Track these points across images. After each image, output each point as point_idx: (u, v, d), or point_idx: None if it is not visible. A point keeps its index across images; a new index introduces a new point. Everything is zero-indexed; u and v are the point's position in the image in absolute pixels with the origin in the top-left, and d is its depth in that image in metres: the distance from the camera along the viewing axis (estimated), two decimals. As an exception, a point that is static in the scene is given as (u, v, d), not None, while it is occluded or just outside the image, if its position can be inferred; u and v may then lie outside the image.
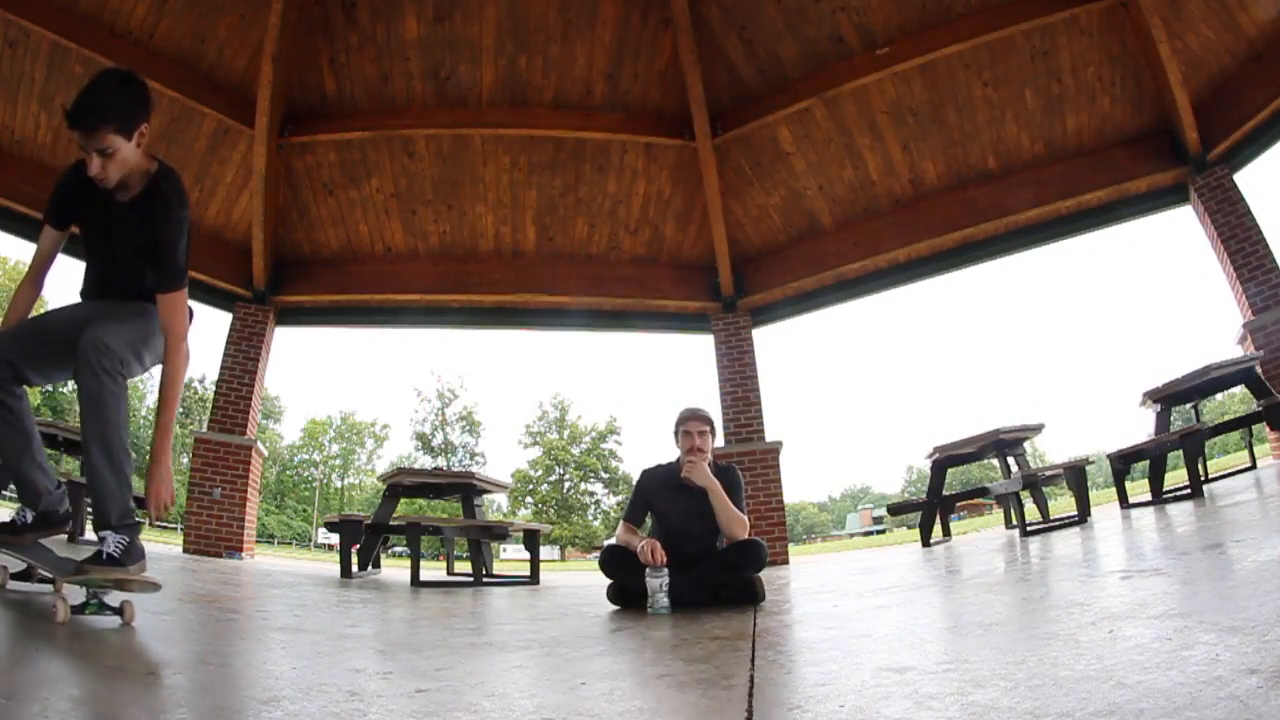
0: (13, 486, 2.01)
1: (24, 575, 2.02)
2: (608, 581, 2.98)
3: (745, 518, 2.95)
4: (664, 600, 2.55)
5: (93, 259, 2.02)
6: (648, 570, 2.64)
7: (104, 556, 1.73)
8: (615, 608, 2.81)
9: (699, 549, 2.90)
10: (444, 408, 48.30)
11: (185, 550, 6.00)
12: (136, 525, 1.83)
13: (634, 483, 3.18)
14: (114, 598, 1.77)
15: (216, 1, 5.91)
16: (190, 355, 1.99)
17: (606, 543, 3.16)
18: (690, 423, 3.04)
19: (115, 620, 1.72)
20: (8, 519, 1.92)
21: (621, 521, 3.09)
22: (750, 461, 6.52)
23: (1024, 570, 2.76)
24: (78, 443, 5.49)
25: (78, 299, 2.04)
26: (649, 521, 3.17)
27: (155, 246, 1.90)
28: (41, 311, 2.02)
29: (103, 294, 2.00)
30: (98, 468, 1.74)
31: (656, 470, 3.13)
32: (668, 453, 3.27)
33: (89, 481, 1.75)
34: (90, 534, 5.02)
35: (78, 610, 1.69)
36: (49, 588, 1.94)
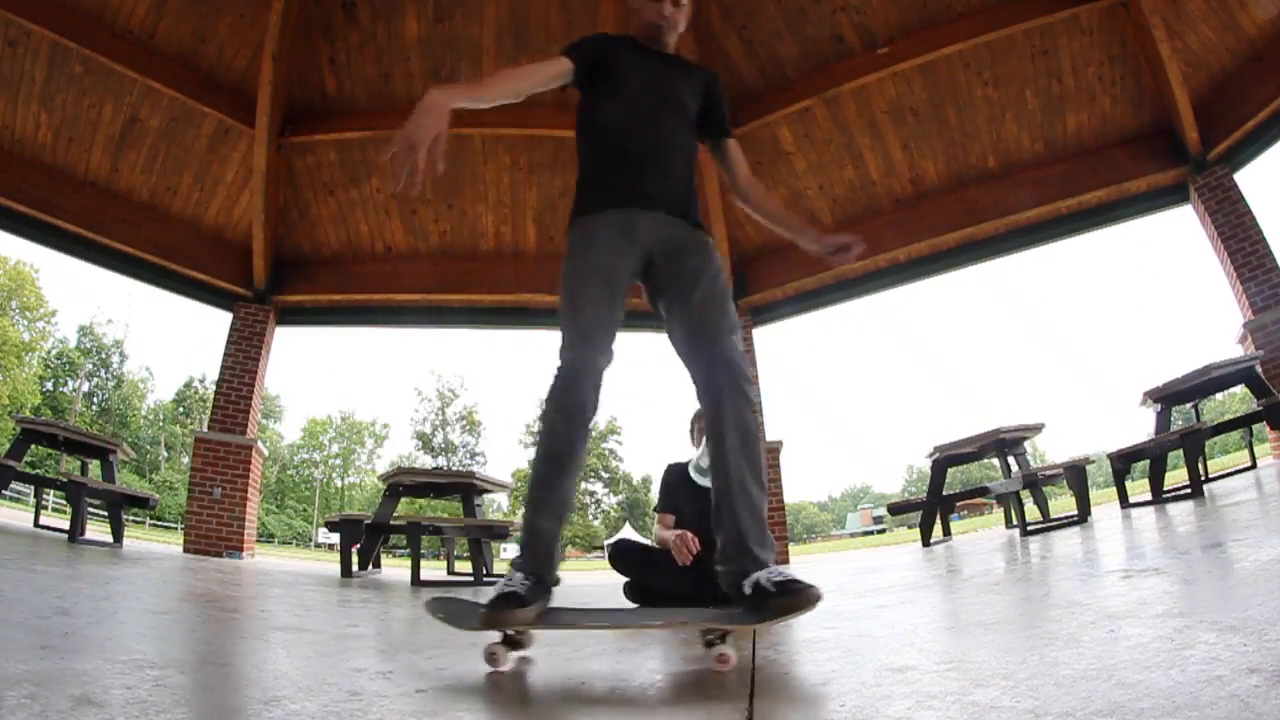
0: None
1: None
2: (621, 581, 2.93)
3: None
4: None
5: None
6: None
7: None
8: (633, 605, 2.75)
9: (708, 548, 2.85)
10: (444, 407, 48.38)
11: (185, 550, 5.99)
12: None
13: (660, 477, 3.14)
14: None
15: (216, 1, 5.91)
16: None
17: (608, 542, 3.14)
18: None
19: None
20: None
21: (657, 514, 3.04)
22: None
23: (1024, 570, 2.76)
24: (78, 443, 5.49)
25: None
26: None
27: None
28: None
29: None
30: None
31: (677, 467, 3.11)
32: (672, 452, 3.25)
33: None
34: (90, 534, 5.02)
35: None
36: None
